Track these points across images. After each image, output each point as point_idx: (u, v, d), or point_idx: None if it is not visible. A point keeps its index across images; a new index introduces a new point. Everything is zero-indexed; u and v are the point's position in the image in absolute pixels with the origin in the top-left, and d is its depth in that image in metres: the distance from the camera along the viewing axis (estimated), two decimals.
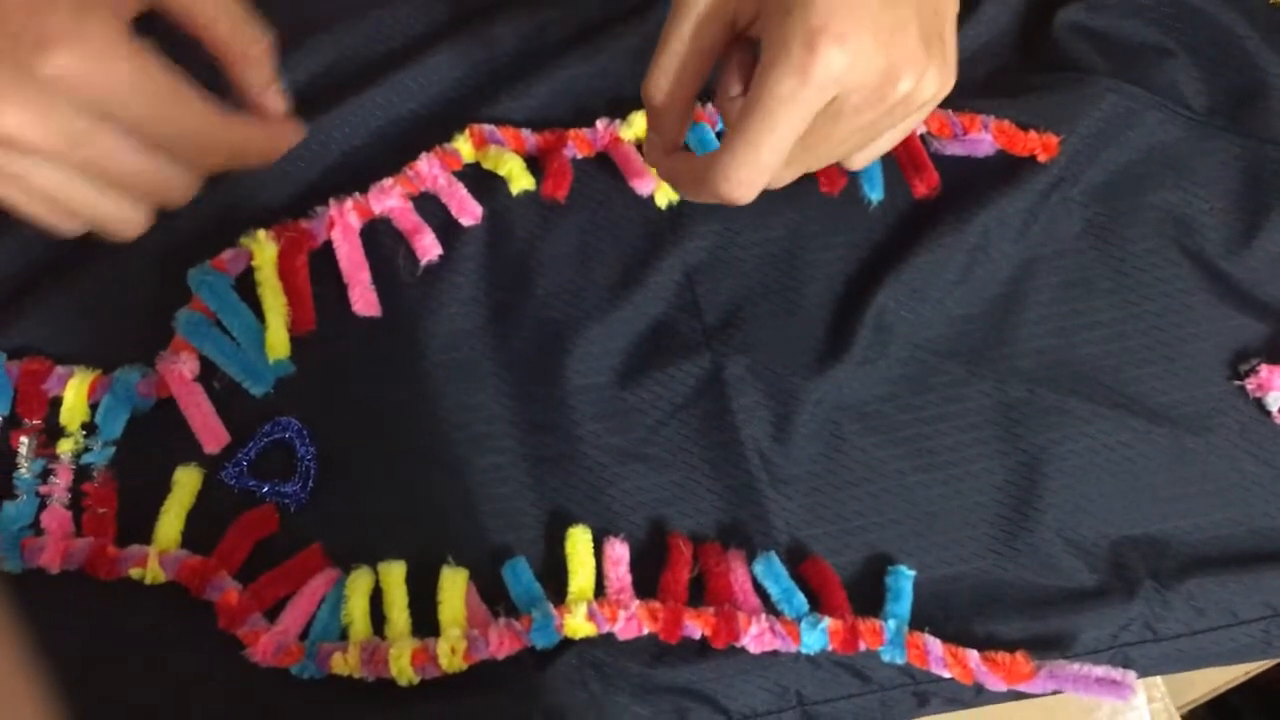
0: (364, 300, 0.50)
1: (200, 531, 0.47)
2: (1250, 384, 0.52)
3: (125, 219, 0.38)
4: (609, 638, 0.46)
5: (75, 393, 0.48)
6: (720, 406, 0.50)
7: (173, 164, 0.37)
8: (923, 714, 0.49)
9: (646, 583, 0.47)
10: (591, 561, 0.47)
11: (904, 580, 0.48)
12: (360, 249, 0.50)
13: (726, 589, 0.47)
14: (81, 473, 0.48)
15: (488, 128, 0.51)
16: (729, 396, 0.50)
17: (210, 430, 0.48)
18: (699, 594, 0.48)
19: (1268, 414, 0.52)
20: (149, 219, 0.38)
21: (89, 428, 0.48)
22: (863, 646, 0.47)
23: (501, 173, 0.51)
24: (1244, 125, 0.55)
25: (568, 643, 0.46)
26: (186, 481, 0.48)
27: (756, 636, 0.46)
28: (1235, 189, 0.54)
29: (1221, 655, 0.50)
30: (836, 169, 0.50)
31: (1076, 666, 0.47)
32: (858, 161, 0.40)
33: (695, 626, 0.46)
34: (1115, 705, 0.51)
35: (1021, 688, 0.47)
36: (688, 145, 0.51)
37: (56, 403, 0.48)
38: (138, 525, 0.47)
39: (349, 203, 0.50)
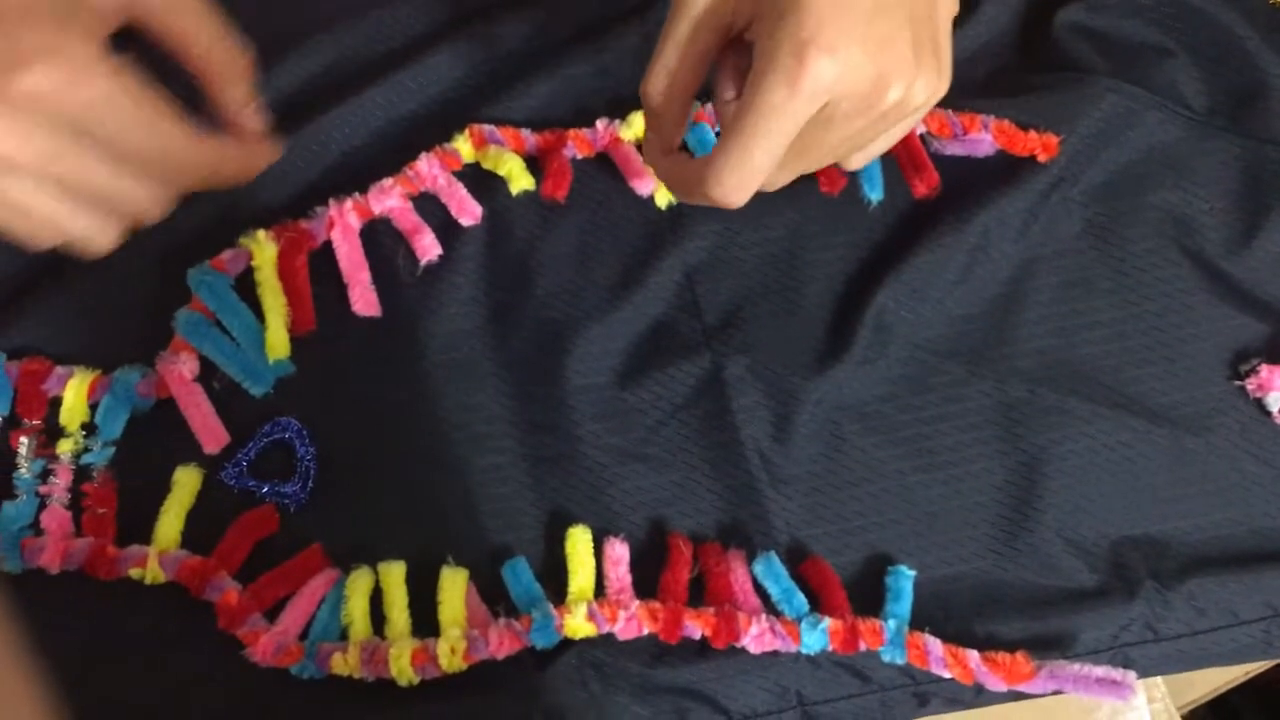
0: (364, 300, 0.50)
1: (200, 532, 0.47)
2: (1250, 384, 0.52)
3: (98, 235, 0.38)
4: (609, 638, 0.46)
5: (75, 393, 0.48)
6: (720, 406, 0.50)
7: (147, 182, 0.37)
8: (923, 714, 0.49)
9: (646, 583, 0.47)
10: (591, 561, 0.47)
11: (904, 580, 0.48)
12: (360, 249, 0.50)
13: (726, 589, 0.47)
14: (81, 473, 0.48)
15: (487, 128, 0.51)
16: (729, 396, 0.50)
17: (210, 430, 0.48)
18: (699, 594, 0.48)
19: (1268, 414, 0.52)
20: (122, 235, 0.38)
21: (89, 428, 0.48)
22: (863, 647, 0.47)
23: (501, 173, 0.51)
24: (1244, 125, 0.55)
25: (568, 643, 0.46)
26: (186, 482, 0.47)
27: (757, 637, 0.46)
28: (1235, 189, 0.54)
29: (1222, 655, 0.50)
30: (836, 169, 0.50)
31: (1077, 667, 0.47)
32: (855, 162, 0.41)
33: (695, 627, 0.46)
34: (1115, 705, 0.51)
35: (1022, 688, 0.47)
36: (686, 145, 0.51)
37: (56, 403, 0.48)
38: (137, 525, 0.47)
39: (349, 203, 0.50)
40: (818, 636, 0.47)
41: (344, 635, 0.46)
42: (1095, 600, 0.49)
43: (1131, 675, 0.48)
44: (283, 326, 0.49)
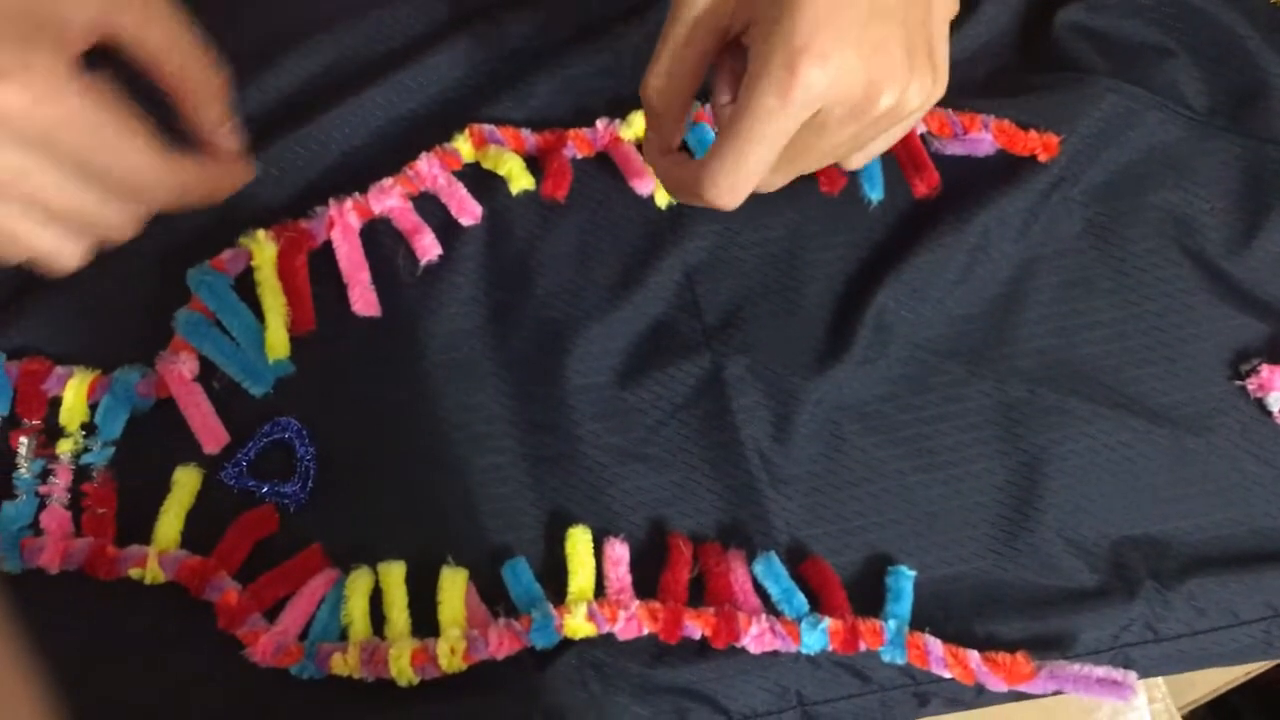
0: (364, 300, 0.50)
1: (200, 532, 0.47)
2: (1251, 384, 0.52)
3: (64, 253, 0.38)
4: (609, 638, 0.46)
5: (75, 393, 0.48)
6: (720, 406, 0.50)
7: (114, 201, 0.37)
8: (923, 714, 0.49)
9: (646, 583, 0.47)
10: (591, 562, 0.47)
11: (904, 580, 0.48)
12: (360, 249, 0.50)
13: (726, 589, 0.47)
14: (81, 473, 0.48)
15: (487, 127, 0.51)
16: (729, 396, 0.50)
17: (210, 430, 0.48)
18: (699, 594, 0.48)
19: (1269, 414, 0.52)
20: (89, 254, 0.38)
21: (88, 428, 0.48)
22: (863, 647, 0.47)
23: (501, 173, 0.51)
24: (1245, 125, 0.55)
25: (567, 643, 0.46)
26: (186, 482, 0.47)
27: (757, 637, 0.46)
28: (1236, 189, 0.54)
29: (1223, 656, 0.50)
30: (836, 168, 0.50)
31: (1077, 667, 0.47)
32: (855, 162, 0.41)
33: (695, 627, 0.46)
34: (1116, 706, 0.51)
35: (1022, 688, 0.47)
36: (686, 145, 0.51)
37: (56, 403, 0.48)
38: (137, 525, 0.47)
39: (349, 203, 0.50)
40: (818, 636, 0.47)
41: (344, 635, 0.46)
42: (1096, 600, 0.49)
43: (1132, 675, 0.48)
44: (282, 326, 0.49)
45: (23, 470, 0.47)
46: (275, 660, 0.45)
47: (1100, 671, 0.47)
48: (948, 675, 0.47)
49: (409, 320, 0.50)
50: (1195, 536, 0.51)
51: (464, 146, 0.51)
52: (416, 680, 0.45)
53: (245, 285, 0.49)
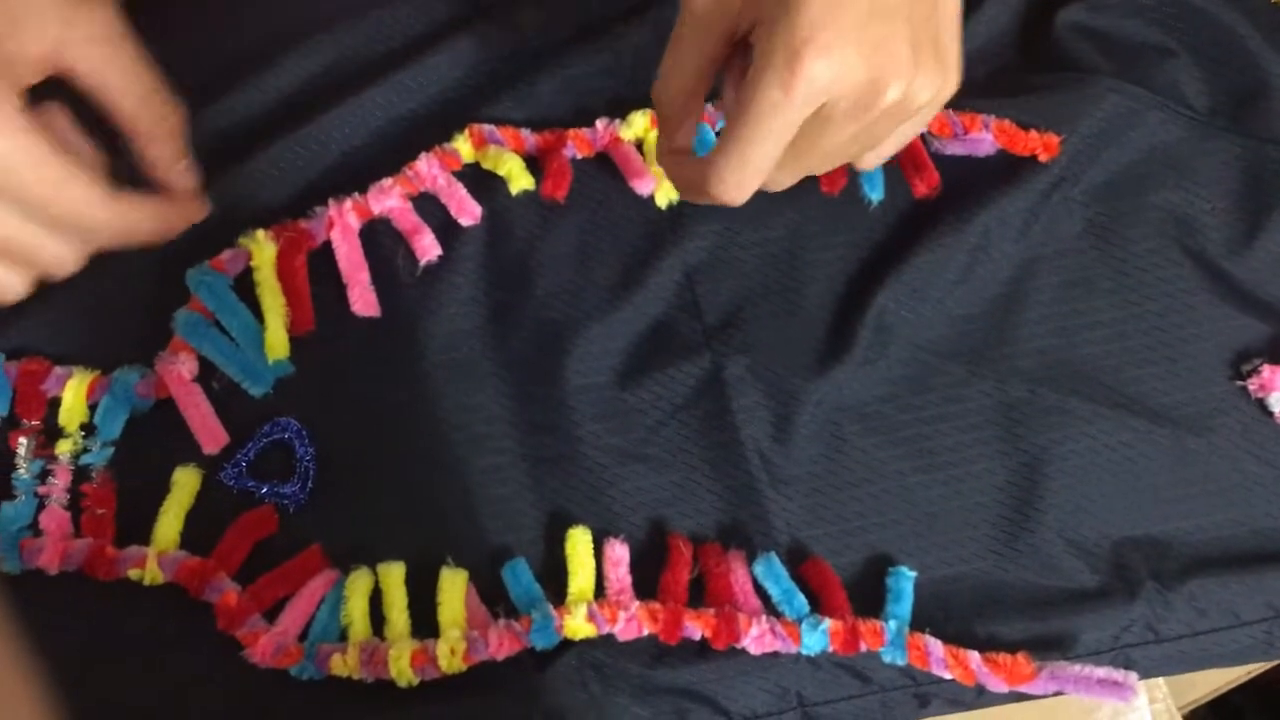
0: (363, 300, 0.50)
1: (199, 532, 0.47)
2: (1252, 384, 0.52)
3: (5, 285, 0.38)
4: (609, 639, 0.46)
5: (74, 393, 0.48)
6: (720, 407, 0.50)
7: (56, 238, 0.37)
8: (924, 715, 0.49)
9: (646, 584, 0.47)
10: (591, 562, 0.47)
11: (905, 581, 0.48)
12: (359, 249, 0.50)
13: (727, 590, 0.47)
14: (80, 473, 0.48)
15: (487, 128, 0.51)
16: (729, 397, 0.50)
17: (209, 431, 0.48)
18: (699, 595, 0.48)
19: (1270, 414, 0.52)
20: (31, 287, 0.38)
21: (88, 428, 0.48)
22: (863, 647, 0.47)
23: (501, 173, 0.51)
24: (1246, 125, 0.55)
25: (567, 644, 0.46)
26: (185, 482, 0.47)
27: (757, 638, 0.46)
28: (1237, 189, 0.54)
29: (1224, 656, 0.50)
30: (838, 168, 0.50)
31: (1078, 668, 0.47)
32: (868, 161, 0.41)
33: (695, 627, 0.46)
34: (1117, 706, 0.51)
35: (1023, 689, 0.47)
36: None
37: (55, 403, 0.48)
38: (136, 526, 0.47)
39: (348, 203, 0.50)
40: (818, 637, 0.46)
41: (343, 636, 0.46)
42: (1096, 601, 0.49)
43: (1133, 676, 0.48)
44: (282, 327, 0.49)
45: (22, 471, 0.47)
46: (275, 661, 0.45)
47: (1101, 672, 0.47)
48: (948, 676, 0.47)
49: (408, 320, 0.50)
50: (1196, 537, 0.51)
51: (464, 147, 0.51)
52: (416, 681, 0.45)
53: (245, 285, 0.49)
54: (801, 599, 0.47)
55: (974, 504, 0.50)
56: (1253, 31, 0.56)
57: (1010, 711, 0.49)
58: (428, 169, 0.50)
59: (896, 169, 0.52)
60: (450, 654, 0.45)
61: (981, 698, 0.48)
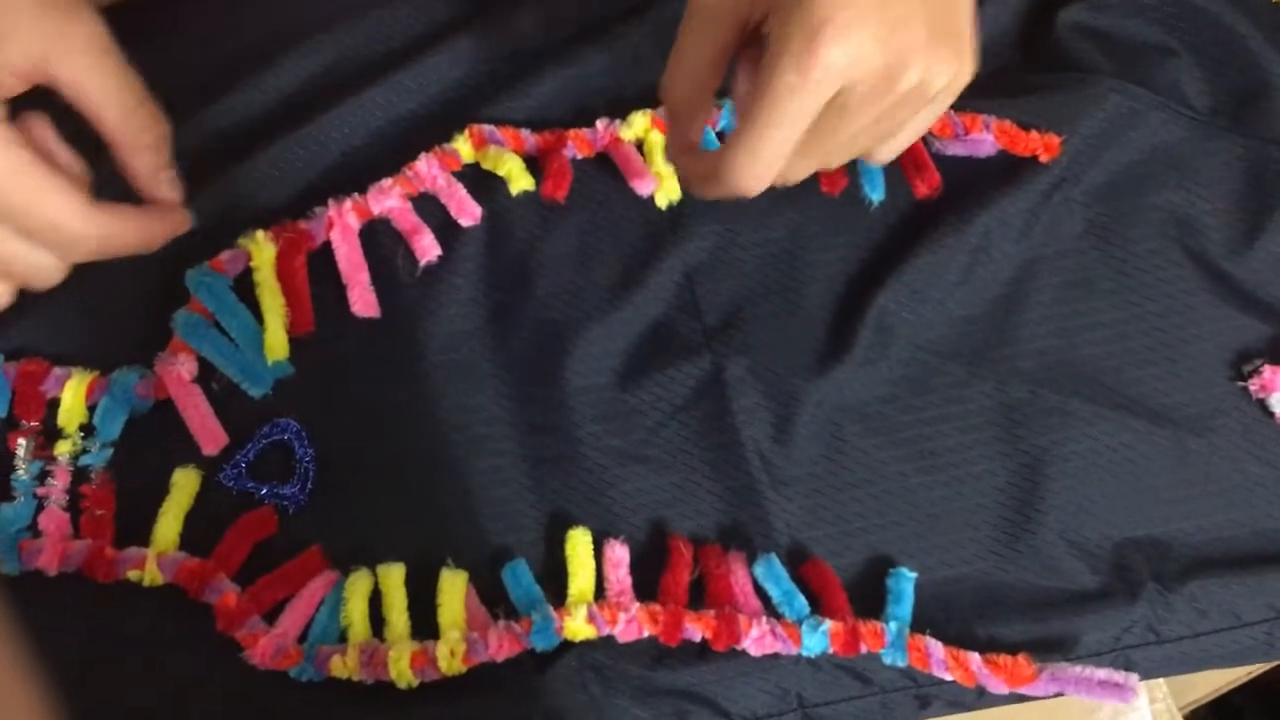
0: (363, 301, 0.50)
1: (199, 533, 0.47)
2: (1253, 385, 0.52)
3: None
4: (609, 640, 0.46)
5: (73, 394, 0.48)
6: (720, 408, 0.50)
7: (35, 250, 0.37)
8: (924, 716, 0.49)
9: (647, 585, 0.47)
10: (591, 564, 0.47)
11: (905, 582, 0.48)
12: (359, 250, 0.50)
13: (727, 591, 0.47)
14: (79, 474, 0.48)
15: (487, 128, 0.51)
16: (729, 398, 0.50)
17: (208, 432, 0.48)
18: (699, 596, 0.48)
19: (1270, 415, 0.52)
20: (11, 297, 0.38)
21: (87, 429, 0.48)
22: (864, 649, 0.47)
23: (501, 173, 0.51)
24: (1247, 125, 0.55)
25: (567, 645, 0.46)
26: (185, 483, 0.47)
27: (757, 639, 0.46)
28: (1238, 189, 0.54)
29: (1224, 657, 0.50)
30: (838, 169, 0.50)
31: (1079, 669, 0.47)
32: (884, 154, 0.40)
33: (696, 629, 0.46)
34: (1117, 707, 0.51)
35: (1023, 690, 0.47)
36: None
37: (54, 404, 0.48)
38: (136, 527, 0.47)
39: (348, 203, 0.50)
40: (818, 639, 0.46)
41: (343, 638, 0.46)
42: (1097, 602, 0.49)
43: (1134, 677, 0.48)
44: (281, 327, 0.49)
45: (21, 472, 0.47)
46: (274, 662, 0.45)
47: (1102, 673, 0.47)
48: (949, 677, 0.47)
49: (408, 321, 0.50)
50: (1197, 538, 0.50)
51: (464, 147, 0.51)
52: (416, 682, 0.45)
53: (244, 286, 0.49)
54: (802, 600, 0.47)
55: (975, 505, 0.50)
56: (1254, 31, 0.55)
57: (1011, 713, 0.49)
58: (427, 169, 0.50)
59: (897, 169, 0.52)
60: (450, 655, 0.45)
61: (982, 699, 0.48)
